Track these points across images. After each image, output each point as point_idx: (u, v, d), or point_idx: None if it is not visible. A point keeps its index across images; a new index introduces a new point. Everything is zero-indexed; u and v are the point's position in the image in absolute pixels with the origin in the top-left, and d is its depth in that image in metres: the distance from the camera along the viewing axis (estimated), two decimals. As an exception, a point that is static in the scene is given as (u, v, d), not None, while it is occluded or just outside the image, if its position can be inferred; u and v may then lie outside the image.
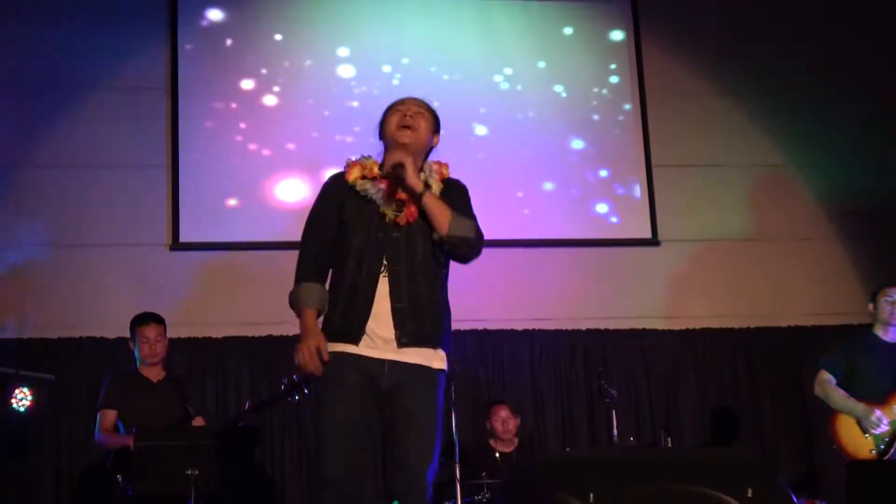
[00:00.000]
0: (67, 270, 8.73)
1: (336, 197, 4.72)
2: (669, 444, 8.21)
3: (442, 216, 4.51)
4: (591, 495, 3.41)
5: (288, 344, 8.57)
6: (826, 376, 6.85)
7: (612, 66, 9.82)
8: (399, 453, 4.49)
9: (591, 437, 8.92)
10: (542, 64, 9.70)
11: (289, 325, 8.67)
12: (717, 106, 9.91)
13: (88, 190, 8.89)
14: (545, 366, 9.08)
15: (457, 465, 6.95)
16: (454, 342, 4.62)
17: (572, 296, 9.28)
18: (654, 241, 9.50)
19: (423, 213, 4.53)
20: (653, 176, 9.61)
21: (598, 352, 9.10)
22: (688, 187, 9.72)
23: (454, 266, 8.45)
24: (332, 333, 4.56)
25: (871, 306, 6.95)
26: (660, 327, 9.33)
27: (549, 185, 9.48)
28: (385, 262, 4.51)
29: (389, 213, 4.54)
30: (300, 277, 4.72)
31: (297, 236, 8.85)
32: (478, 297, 8.82)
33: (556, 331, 9.11)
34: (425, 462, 4.42)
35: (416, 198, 4.49)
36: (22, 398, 7.76)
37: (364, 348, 4.48)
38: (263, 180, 9.12)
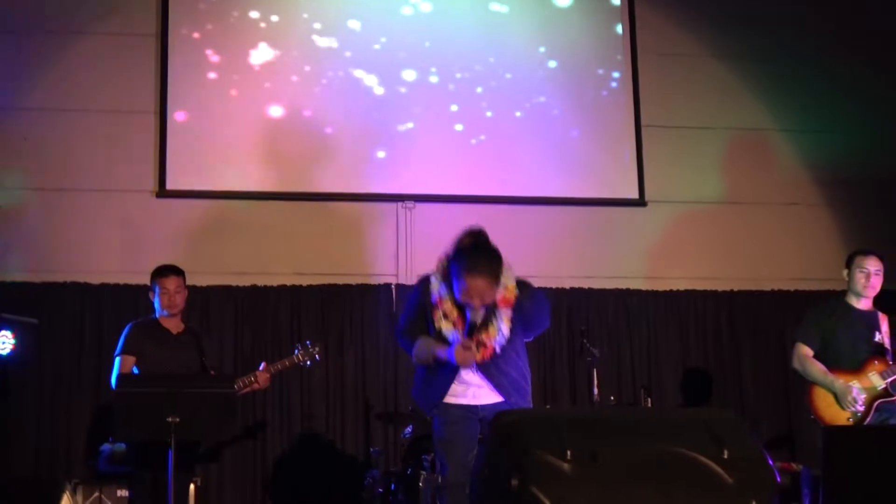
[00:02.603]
0: (52, 215, 8.72)
1: (421, 307, 5.62)
2: (649, 404, 8.25)
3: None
4: (569, 452, 3.40)
5: (273, 294, 8.70)
6: (804, 350, 6.83)
7: (605, 26, 9.78)
8: None
9: (572, 395, 8.95)
10: (532, 24, 9.65)
11: (273, 276, 8.77)
12: (708, 68, 9.89)
13: (75, 135, 8.86)
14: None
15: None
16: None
17: (557, 254, 9.28)
18: (640, 202, 9.51)
19: None
20: (642, 136, 9.60)
21: (581, 311, 9.12)
22: (676, 149, 9.71)
23: (443, 224, 8.51)
24: None
25: (845, 273, 6.93)
26: (644, 288, 9.35)
27: (537, 144, 9.45)
28: None
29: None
30: (413, 340, 5.65)
31: (282, 187, 8.98)
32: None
33: (540, 288, 9.10)
34: None
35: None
36: (4, 341, 7.77)
37: None
38: (250, 130, 9.09)
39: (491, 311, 5.46)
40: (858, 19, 10.04)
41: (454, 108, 9.38)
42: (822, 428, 6.41)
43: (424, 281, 5.64)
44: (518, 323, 5.57)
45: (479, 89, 9.45)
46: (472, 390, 5.51)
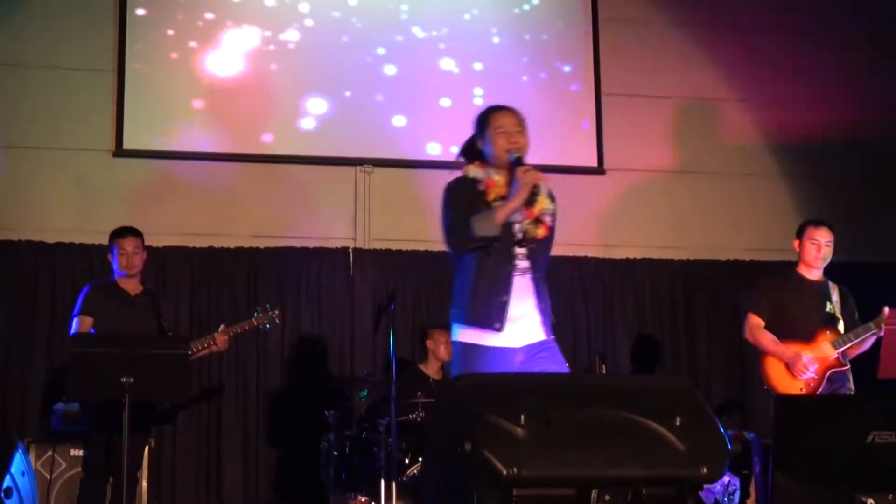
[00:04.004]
0: (8, 173, 8.64)
1: (468, 201, 5.18)
2: (604, 371, 8.29)
3: None
4: (522, 417, 3.42)
5: (230, 256, 8.67)
6: (755, 320, 6.88)
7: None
8: None
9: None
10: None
11: (230, 238, 8.74)
12: (669, 37, 9.90)
13: (31, 91, 8.78)
14: (485, 289, 9.12)
15: (392, 384, 7.01)
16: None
17: (515, 220, 9.29)
18: (599, 170, 9.53)
19: None
20: (601, 104, 9.61)
21: (537, 277, 9.13)
22: (635, 117, 9.72)
23: (401, 189, 8.47)
24: None
25: (796, 244, 6.98)
26: (600, 255, 9.39)
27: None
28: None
29: (531, 229, 5.16)
30: (467, 220, 5.09)
31: (240, 149, 8.95)
32: (422, 218, 8.86)
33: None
34: None
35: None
36: (-43, 299, 7.72)
37: None
38: (210, 91, 9.04)
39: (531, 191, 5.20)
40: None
41: (415, 71, 9.35)
42: (773, 396, 6.49)
43: (458, 180, 5.36)
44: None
45: (441, 55, 9.43)
46: (519, 324, 5.15)
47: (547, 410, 3.48)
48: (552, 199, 5.37)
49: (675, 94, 9.84)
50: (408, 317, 8.80)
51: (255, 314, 7.20)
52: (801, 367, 6.63)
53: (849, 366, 6.75)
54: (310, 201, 9.09)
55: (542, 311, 5.18)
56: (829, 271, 6.95)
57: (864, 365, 6.71)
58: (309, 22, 9.24)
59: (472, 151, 5.44)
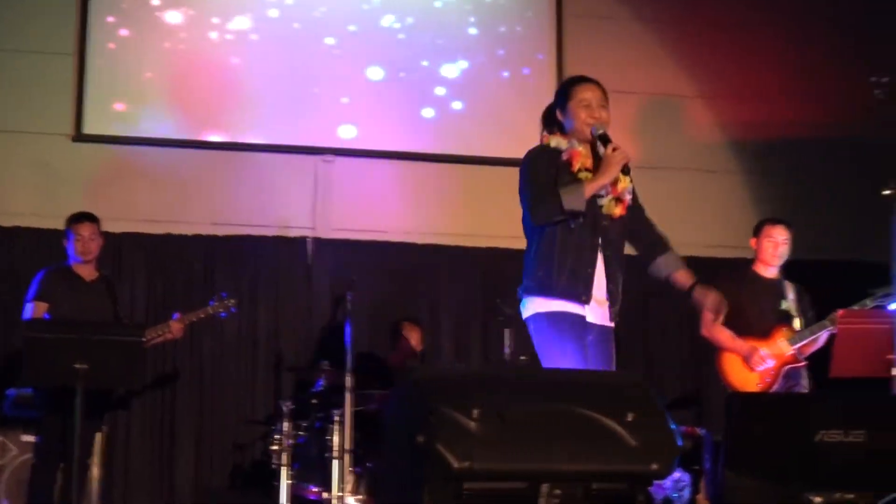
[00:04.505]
0: (-35, 156, 8.58)
1: (552, 171, 5.11)
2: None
3: None
4: (475, 411, 3.42)
5: (188, 243, 8.62)
6: (711, 316, 6.94)
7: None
8: None
9: (484, 353, 8.99)
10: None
11: (188, 225, 8.70)
12: (633, 32, 9.90)
13: (-8, 75, 8.71)
14: (442, 281, 9.12)
15: (348, 374, 7.01)
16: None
17: (479, 213, 9.27)
18: (560, 164, 9.53)
19: None
20: (566, 99, 9.61)
21: (497, 269, 9.12)
22: (601, 112, 9.72)
23: (362, 179, 8.45)
24: None
25: (753, 242, 7.03)
26: (562, 249, 9.39)
27: (462, 103, 9.46)
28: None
29: (611, 207, 5.11)
30: (555, 191, 5.03)
31: (200, 135, 8.90)
32: (381, 208, 8.87)
33: (456, 247, 9.14)
34: None
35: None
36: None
37: None
38: (172, 78, 8.99)
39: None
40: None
41: (377, 61, 9.33)
42: (725, 394, 6.54)
43: (539, 149, 5.31)
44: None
45: (403, 46, 9.41)
46: (596, 299, 5.12)
47: (500, 404, 3.49)
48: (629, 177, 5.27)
49: (639, 90, 9.84)
50: (365, 307, 8.78)
51: (212, 303, 7.17)
52: (759, 358, 6.69)
53: (805, 363, 6.81)
54: (269, 190, 9.05)
55: (611, 291, 5.15)
56: (787, 269, 6.99)
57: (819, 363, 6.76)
58: (273, 12, 9.19)
59: (551, 121, 5.37)
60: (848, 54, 10.00)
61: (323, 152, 9.08)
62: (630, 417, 3.53)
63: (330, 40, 9.28)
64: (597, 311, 5.10)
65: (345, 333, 7.25)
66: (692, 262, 9.34)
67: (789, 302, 6.89)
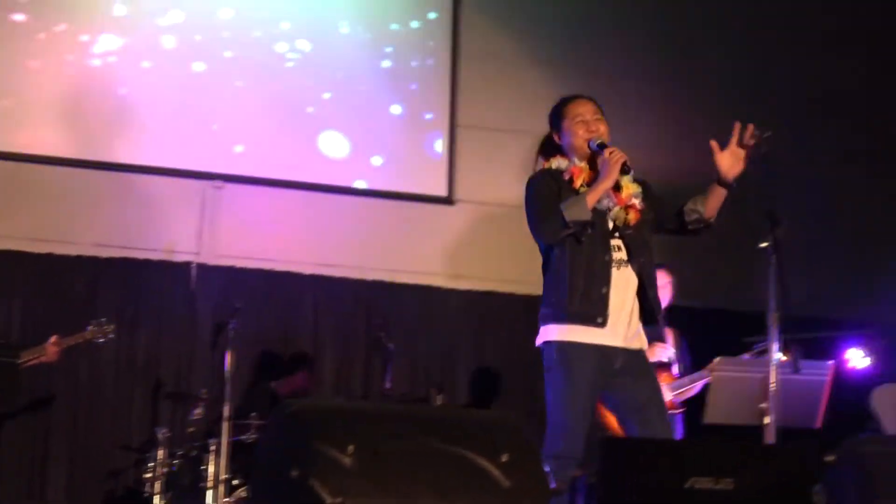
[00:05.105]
0: None
1: (555, 190, 5.12)
2: (440, 402, 8.32)
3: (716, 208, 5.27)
4: (351, 447, 3.42)
5: (69, 264, 8.49)
6: None
7: (428, 23, 9.84)
8: None
9: (365, 388, 8.97)
10: (354, 10, 9.64)
11: (71, 245, 8.56)
12: (528, 73, 9.98)
13: None
14: (327, 312, 9.09)
15: (226, 403, 6.96)
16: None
17: (363, 245, 9.27)
18: (449, 200, 9.58)
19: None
20: (455, 135, 9.67)
21: (381, 304, 9.14)
22: (489, 150, 9.77)
23: (250, 206, 8.39)
24: None
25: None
26: (445, 286, 9.42)
27: (351, 134, 9.45)
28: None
29: (622, 216, 5.09)
30: (556, 208, 5.01)
31: (87, 154, 8.77)
32: (267, 236, 8.83)
33: (342, 278, 9.13)
34: None
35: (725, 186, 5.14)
36: None
37: None
38: (58, 94, 8.86)
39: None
40: (670, 38, 10.29)
41: (269, 89, 9.29)
42: (598, 438, 6.58)
43: (541, 172, 5.32)
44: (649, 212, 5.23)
45: (298, 75, 9.40)
46: (620, 318, 5.03)
47: (376, 440, 3.49)
48: (639, 182, 5.28)
49: (534, 130, 9.86)
50: (247, 336, 8.70)
51: (89, 327, 7.07)
52: None
53: (681, 409, 6.89)
54: (156, 213, 8.94)
55: (646, 304, 5.08)
56: (667, 314, 7.07)
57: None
58: (169, 40, 9.10)
59: (549, 149, 5.37)
60: (730, 108, 10.19)
61: (212, 178, 9.01)
62: (504, 458, 3.55)
63: (222, 69, 9.20)
64: (621, 334, 5.03)
65: (225, 361, 7.19)
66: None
67: (668, 348, 6.98)
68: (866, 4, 10.55)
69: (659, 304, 5.17)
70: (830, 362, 6.73)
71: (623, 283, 5.06)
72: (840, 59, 10.47)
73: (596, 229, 5.02)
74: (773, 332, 4.94)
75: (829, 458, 4.05)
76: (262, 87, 9.27)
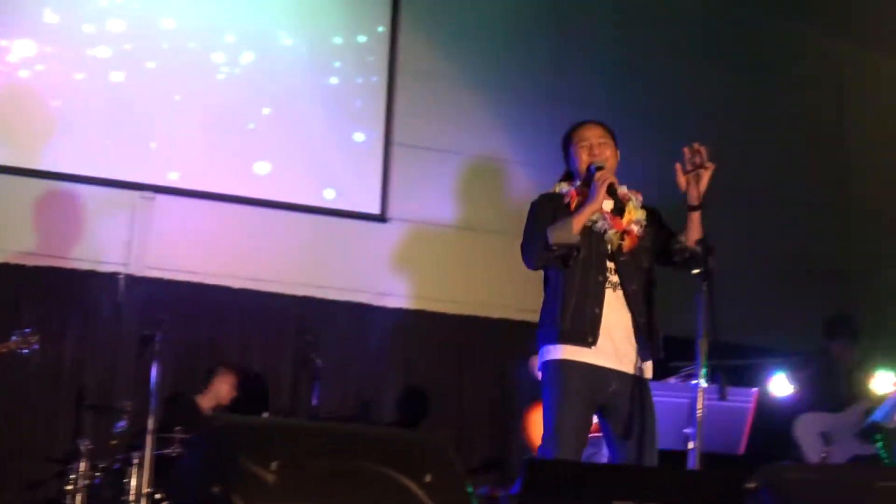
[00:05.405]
0: None
1: (549, 214, 5.19)
2: (368, 420, 8.31)
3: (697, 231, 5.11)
4: (274, 464, 3.39)
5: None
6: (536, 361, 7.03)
7: (367, 41, 9.84)
8: None
9: (293, 405, 8.93)
10: (286, 25, 9.62)
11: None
12: (463, 95, 10.03)
13: None
14: (255, 327, 9.04)
15: (150, 416, 6.89)
16: None
17: (295, 261, 9.24)
18: (382, 218, 9.57)
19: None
20: (390, 154, 9.67)
21: (311, 320, 9.08)
22: (422, 169, 9.80)
23: (181, 219, 8.31)
24: None
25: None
26: (375, 303, 9.40)
27: (286, 149, 9.42)
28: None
29: (616, 240, 5.08)
30: (543, 231, 5.12)
31: (18, 162, 8.66)
32: (197, 249, 8.76)
33: (271, 293, 9.08)
34: None
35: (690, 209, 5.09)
36: None
37: None
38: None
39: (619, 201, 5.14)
40: (610, 64, 10.38)
41: (201, 100, 9.23)
42: (523, 459, 6.60)
43: (543, 195, 5.37)
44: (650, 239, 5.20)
45: (232, 89, 9.35)
46: (613, 341, 5.02)
47: (300, 457, 3.46)
48: (649, 209, 5.25)
49: (465, 151, 9.97)
50: (174, 349, 8.62)
51: (13, 338, 6.97)
52: None
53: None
54: (85, 223, 8.84)
55: (639, 331, 5.05)
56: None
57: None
58: (103, 51, 9.02)
59: (568, 176, 5.39)
60: (657, 131, 10.29)
61: (143, 189, 8.93)
62: (428, 478, 3.54)
63: (152, 80, 9.12)
64: (615, 355, 5.03)
65: (150, 374, 7.12)
66: (501, 324, 9.60)
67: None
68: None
69: (652, 331, 5.13)
70: (755, 389, 6.81)
71: (618, 306, 5.09)
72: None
73: (592, 251, 5.06)
74: (701, 357, 4.97)
75: (750, 484, 4.08)
76: (198, 99, 9.22)
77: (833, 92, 11.48)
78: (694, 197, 5.10)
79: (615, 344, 5.03)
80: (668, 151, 5.40)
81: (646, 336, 5.09)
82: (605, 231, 5.11)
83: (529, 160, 10.06)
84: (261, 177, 9.31)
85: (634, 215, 5.16)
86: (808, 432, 7.98)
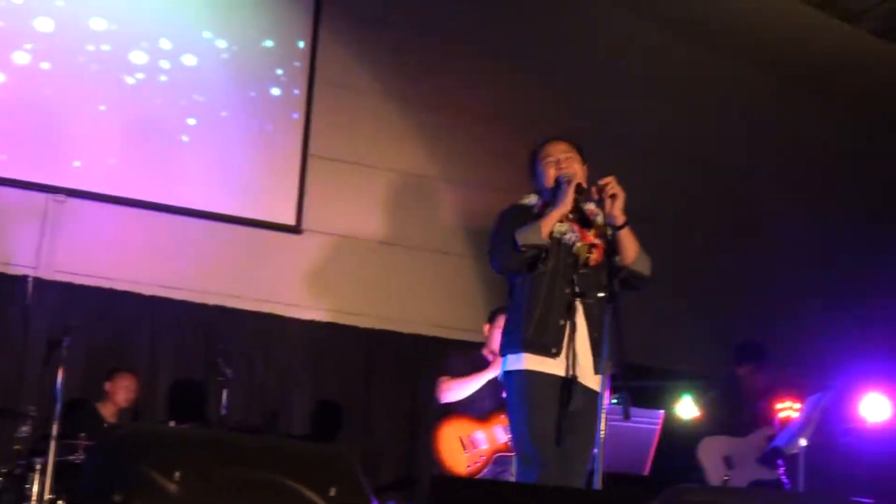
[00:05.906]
0: None
1: (519, 222, 5.15)
2: (276, 432, 8.26)
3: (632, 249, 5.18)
4: (177, 473, 3.36)
5: None
6: (447, 383, 7.03)
7: (288, 51, 9.81)
8: None
9: (201, 413, 8.85)
10: (208, 33, 9.57)
11: None
12: (385, 109, 10.02)
13: None
14: (165, 334, 8.95)
15: (54, 422, 6.80)
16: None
17: (207, 269, 9.17)
18: (296, 229, 9.53)
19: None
20: (307, 165, 9.64)
21: (222, 329, 9.02)
22: (341, 182, 9.77)
23: (93, 222, 8.19)
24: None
25: (486, 328, 7.19)
26: (287, 314, 9.35)
27: (204, 157, 9.36)
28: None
29: (583, 252, 5.10)
30: (514, 235, 5.09)
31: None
32: (109, 254, 8.67)
33: (182, 301, 9.01)
34: None
35: (614, 229, 5.11)
36: None
37: None
38: None
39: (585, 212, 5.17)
40: (532, 80, 10.43)
41: (121, 105, 9.15)
42: (430, 477, 6.62)
43: (511, 206, 5.35)
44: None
45: (150, 93, 9.27)
46: (577, 353, 5.01)
47: (204, 467, 3.44)
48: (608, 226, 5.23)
49: (386, 166, 9.96)
50: (82, 354, 8.51)
51: None
52: (468, 442, 6.84)
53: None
54: (-7, 225, 8.73)
55: (596, 345, 5.03)
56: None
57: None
58: (22, 57, 8.90)
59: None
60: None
61: (54, 191, 8.81)
62: (333, 492, 3.53)
63: (70, 82, 9.02)
64: (577, 366, 5.02)
65: (56, 379, 7.03)
66: (414, 340, 9.60)
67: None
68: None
69: (616, 346, 5.02)
70: (661, 411, 6.88)
71: (580, 319, 5.10)
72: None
73: (560, 262, 5.08)
74: (605, 378, 5.02)
75: (652, 505, 4.12)
76: (114, 103, 9.12)
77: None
78: (614, 218, 5.13)
79: (578, 355, 5.05)
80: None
81: (601, 350, 5.07)
82: (574, 243, 5.14)
83: (452, 177, 10.09)
84: (176, 184, 9.23)
85: (601, 230, 5.20)
86: (711, 455, 8.07)
